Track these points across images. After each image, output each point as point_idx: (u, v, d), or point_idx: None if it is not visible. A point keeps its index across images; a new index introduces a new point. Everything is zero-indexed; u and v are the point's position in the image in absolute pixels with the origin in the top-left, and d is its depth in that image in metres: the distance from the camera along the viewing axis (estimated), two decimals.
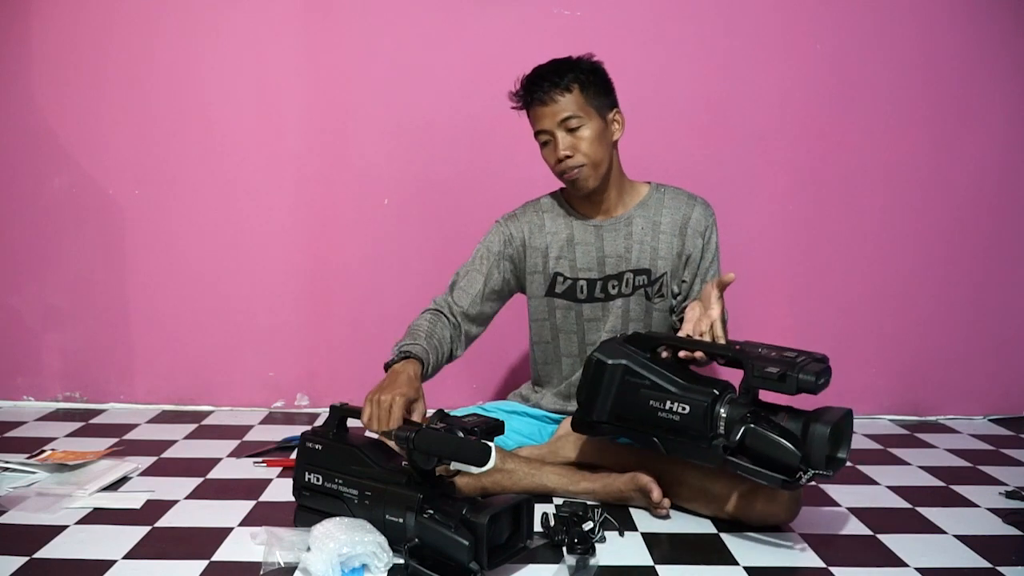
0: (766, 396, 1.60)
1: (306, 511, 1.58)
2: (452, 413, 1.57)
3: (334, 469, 1.54)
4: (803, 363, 1.51)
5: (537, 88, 1.80)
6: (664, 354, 1.68)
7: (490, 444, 1.41)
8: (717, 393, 1.57)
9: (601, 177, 1.83)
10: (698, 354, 1.63)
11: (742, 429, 1.53)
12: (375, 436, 1.57)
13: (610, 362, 1.67)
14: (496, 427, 1.47)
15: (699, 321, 1.66)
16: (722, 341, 1.63)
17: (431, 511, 1.42)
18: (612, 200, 1.89)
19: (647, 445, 1.64)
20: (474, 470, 1.40)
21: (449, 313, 1.85)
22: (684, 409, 1.57)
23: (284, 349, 2.51)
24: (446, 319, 1.83)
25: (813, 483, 1.59)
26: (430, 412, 1.56)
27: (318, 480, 1.56)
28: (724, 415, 1.56)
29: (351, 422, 1.60)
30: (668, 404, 1.59)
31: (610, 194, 1.88)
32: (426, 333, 1.75)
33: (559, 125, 1.78)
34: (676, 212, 1.89)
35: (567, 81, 1.79)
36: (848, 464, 2.10)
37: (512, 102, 1.86)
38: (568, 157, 1.79)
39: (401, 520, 1.44)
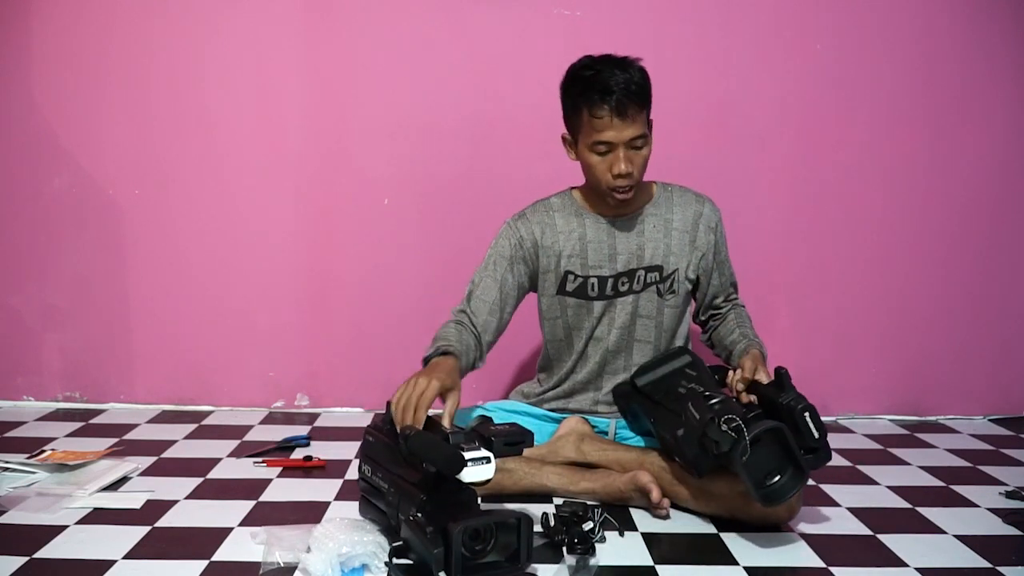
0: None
1: (364, 501, 1.62)
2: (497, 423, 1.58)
3: (379, 462, 1.56)
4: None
5: (613, 95, 1.68)
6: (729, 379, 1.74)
7: (485, 454, 1.39)
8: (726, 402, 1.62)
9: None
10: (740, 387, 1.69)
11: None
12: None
13: (686, 354, 1.81)
14: (520, 440, 1.45)
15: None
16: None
17: (420, 513, 1.39)
18: (628, 201, 1.87)
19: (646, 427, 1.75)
20: (468, 478, 1.39)
21: (470, 324, 1.79)
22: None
23: (284, 349, 2.51)
24: (469, 330, 1.77)
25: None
26: (476, 416, 1.55)
27: (369, 472, 1.59)
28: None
29: None
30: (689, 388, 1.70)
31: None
32: (456, 339, 1.70)
33: (627, 142, 1.73)
34: (687, 209, 1.89)
35: (642, 96, 1.70)
36: (848, 464, 2.10)
37: (570, 95, 1.76)
38: (628, 175, 1.74)
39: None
